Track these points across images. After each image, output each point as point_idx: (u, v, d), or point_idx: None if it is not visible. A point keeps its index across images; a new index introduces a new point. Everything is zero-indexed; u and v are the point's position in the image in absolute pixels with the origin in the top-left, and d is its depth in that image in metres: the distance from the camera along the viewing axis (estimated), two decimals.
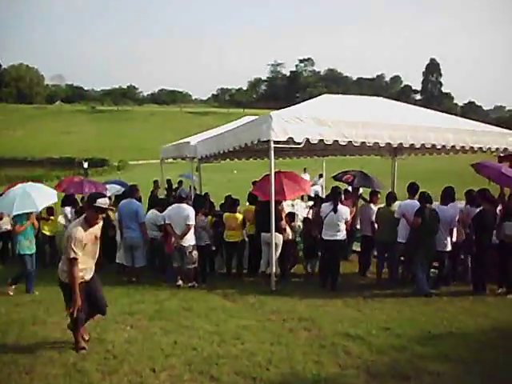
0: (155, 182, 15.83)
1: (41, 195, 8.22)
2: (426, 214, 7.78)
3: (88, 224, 5.22)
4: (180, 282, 8.50)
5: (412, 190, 8.60)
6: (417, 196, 8.36)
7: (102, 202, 5.12)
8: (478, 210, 8.06)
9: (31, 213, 8.19)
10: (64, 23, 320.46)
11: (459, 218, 8.29)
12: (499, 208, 9.54)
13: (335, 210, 8.18)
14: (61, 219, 11.27)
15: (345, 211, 8.28)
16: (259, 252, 9.10)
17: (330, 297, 7.68)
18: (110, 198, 10.73)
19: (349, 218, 8.37)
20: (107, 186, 12.61)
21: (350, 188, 11.50)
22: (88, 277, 5.39)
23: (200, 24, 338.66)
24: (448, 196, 8.33)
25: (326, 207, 8.39)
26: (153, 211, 9.58)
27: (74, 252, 5.02)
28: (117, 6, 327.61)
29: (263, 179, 9.22)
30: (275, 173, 8.71)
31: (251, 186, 10.72)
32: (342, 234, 8.24)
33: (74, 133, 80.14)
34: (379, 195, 9.68)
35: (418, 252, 7.90)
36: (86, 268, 5.32)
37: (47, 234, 10.72)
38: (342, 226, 8.23)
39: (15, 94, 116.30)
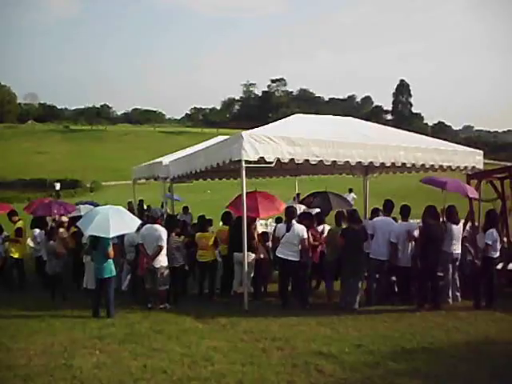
0: (129, 203, 15.65)
1: (119, 223, 7.82)
2: (349, 234, 8.20)
3: None
4: (151, 304, 8.36)
5: (387, 207, 8.78)
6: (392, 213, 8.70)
7: None
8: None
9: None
10: (37, 41, 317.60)
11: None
12: (469, 224, 9.75)
13: (289, 229, 8.21)
14: (29, 242, 11.01)
15: (301, 230, 8.24)
16: (232, 272, 9.05)
17: (304, 316, 7.64)
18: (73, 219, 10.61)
19: (305, 236, 8.22)
20: (81, 206, 12.40)
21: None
22: None
23: (173, 44, 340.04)
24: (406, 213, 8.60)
25: (281, 227, 8.50)
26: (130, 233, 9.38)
27: None
28: (89, 26, 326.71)
29: (239, 197, 9.21)
30: (252, 192, 9.14)
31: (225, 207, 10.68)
32: (295, 255, 8.19)
33: (46, 153, 78.83)
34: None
35: (344, 269, 8.26)
36: None
37: (15, 256, 10.38)
38: (297, 248, 8.20)
39: None
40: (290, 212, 8.56)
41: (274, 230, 8.92)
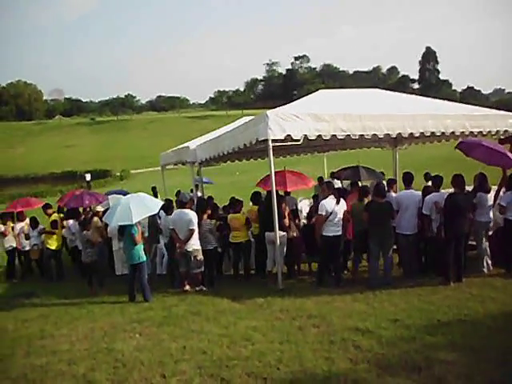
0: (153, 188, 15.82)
1: (140, 207, 8.04)
2: (373, 208, 7.95)
3: None
4: (187, 287, 8.48)
5: (406, 179, 8.60)
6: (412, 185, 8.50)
7: None
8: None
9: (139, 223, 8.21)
10: (59, 37, 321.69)
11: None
12: (503, 190, 9.48)
13: (338, 204, 8.11)
14: (65, 233, 11.27)
15: (344, 204, 8.19)
16: (265, 252, 9.07)
17: (339, 292, 7.60)
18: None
19: (345, 208, 8.18)
20: (110, 196, 12.60)
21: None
22: None
23: (193, 28, 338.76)
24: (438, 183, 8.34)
25: (327, 203, 8.09)
26: (166, 217, 9.51)
27: None
28: (109, 19, 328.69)
29: (268, 176, 9.31)
30: (281, 170, 9.91)
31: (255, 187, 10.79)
32: (341, 230, 8.16)
33: (74, 146, 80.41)
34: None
35: (371, 243, 8.03)
36: None
37: (52, 248, 10.69)
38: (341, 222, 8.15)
39: (15, 111, 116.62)
40: (334, 188, 8.43)
41: (311, 207, 8.88)
